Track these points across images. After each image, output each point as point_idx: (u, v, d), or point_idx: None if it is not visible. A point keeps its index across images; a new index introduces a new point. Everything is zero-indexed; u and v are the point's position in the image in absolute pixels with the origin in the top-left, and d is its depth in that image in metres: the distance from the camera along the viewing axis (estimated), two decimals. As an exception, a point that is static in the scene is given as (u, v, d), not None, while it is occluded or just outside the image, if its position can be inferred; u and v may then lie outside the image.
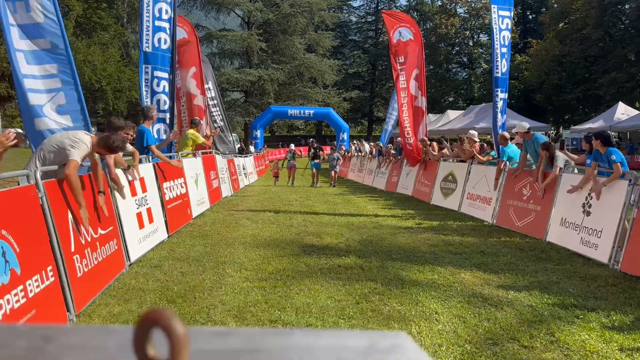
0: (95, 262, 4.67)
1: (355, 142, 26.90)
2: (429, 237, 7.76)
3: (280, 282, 5.16)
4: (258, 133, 34.83)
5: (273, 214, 9.99)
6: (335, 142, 29.79)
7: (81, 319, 4.12)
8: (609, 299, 4.73)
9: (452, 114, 35.08)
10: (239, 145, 26.16)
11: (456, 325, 4.07)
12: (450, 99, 54.43)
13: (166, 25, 9.16)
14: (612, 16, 36.37)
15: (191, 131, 10.29)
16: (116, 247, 5.25)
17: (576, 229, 6.69)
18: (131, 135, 6.61)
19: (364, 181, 19.42)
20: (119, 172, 5.79)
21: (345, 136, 35.23)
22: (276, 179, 18.87)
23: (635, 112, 26.63)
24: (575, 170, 7.57)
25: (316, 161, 18.13)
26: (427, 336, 3.83)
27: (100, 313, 4.27)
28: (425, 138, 13.42)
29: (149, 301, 4.55)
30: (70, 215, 4.36)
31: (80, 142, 4.46)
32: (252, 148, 31.11)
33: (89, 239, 4.63)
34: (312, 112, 36.83)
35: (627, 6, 37.12)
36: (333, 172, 17.99)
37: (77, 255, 4.33)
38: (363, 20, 61.52)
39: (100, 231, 4.89)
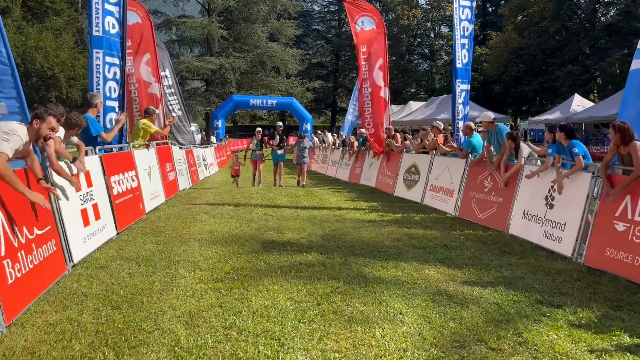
0: (31, 266, 4.23)
1: (318, 132, 26.50)
2: (393, 230, 7.59)
3: (237, 283, 4.85)
4: (219, 123, 34.00)
5: (233, 208, 9.61)
6: (299, 132, 29.10)
7: (12, 330, 3.71)
8: (575, 294, 4.65)
9: (414, 105, 35.38)
10: (199, 136, 25.28)
11: (421, 326, 3.87)
12: (412, 90, 54.94)
13: (115, 9, 8.59)
14: (568, 9, 37.24)
15: (143, 120, 9.73)
16: (55, 248, 4.80)
17: (539, 221, 6.64)
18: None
19: (327, 172, 19.19)
20: (63, 165, 5.32)
21: (308, 126, 34.85)
22: (235, 178, 14.68)
23: (590, 103, 27.46)
24: (538, 162, 7.53)
25: (280, 152, 14.06)
26: (392, 340, 3.61)
27: (35, 322, 3.86)
28: (391, 127, 13.27)
29: (90, 307, 4.16)
30: (0, 214, 3.91)
31: (13, 134, 4.01)
32: (213, 138, 30.33)
33: (23, 241, 4.18)
34: (274, 102, 36.13)
35: (582, 0, 38.11)
36: (302, 166, 14.55)
37: (8, 260, 3.88)
38: (326, 10, 61.11)
39: (36, 231, 4.44)
